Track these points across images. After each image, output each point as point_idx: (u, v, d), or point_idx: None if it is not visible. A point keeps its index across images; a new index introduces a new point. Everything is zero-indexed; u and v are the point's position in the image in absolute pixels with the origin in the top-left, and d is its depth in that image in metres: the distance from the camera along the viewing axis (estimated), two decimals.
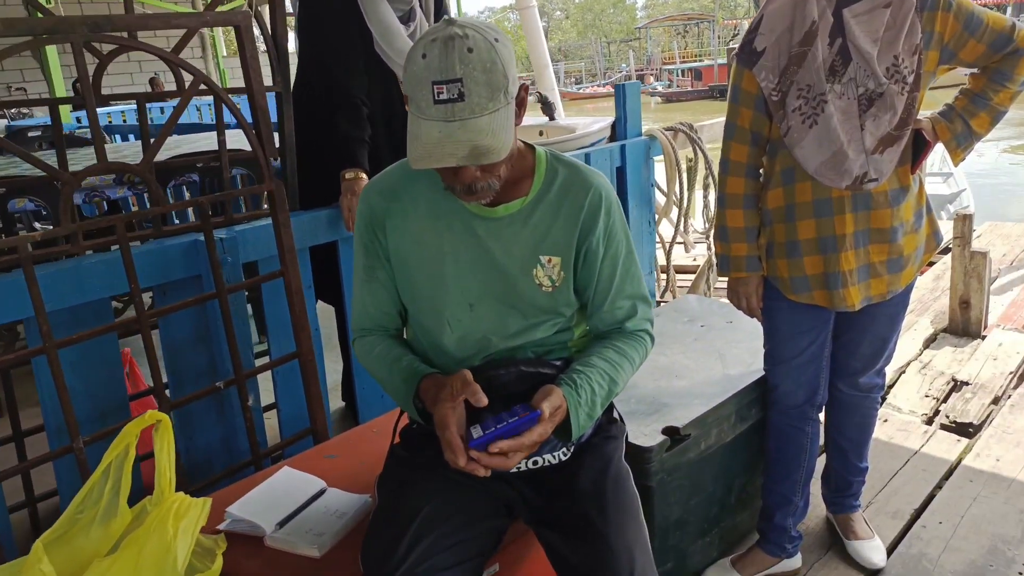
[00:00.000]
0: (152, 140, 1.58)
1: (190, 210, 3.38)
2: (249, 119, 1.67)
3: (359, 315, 1.43)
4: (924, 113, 1.75)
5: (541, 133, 4.14)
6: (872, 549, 2.03)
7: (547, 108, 4.36)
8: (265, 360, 2.02)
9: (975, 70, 1.73)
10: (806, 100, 1.64)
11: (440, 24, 1.16)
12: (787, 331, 1.88)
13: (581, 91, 34.02)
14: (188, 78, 1.59)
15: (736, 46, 1.80)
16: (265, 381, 2.01)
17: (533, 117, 4.52)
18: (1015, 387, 3.02)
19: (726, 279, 1.94)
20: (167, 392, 1.85)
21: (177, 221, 3.22)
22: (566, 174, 1.38)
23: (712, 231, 3.29)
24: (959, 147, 1.75)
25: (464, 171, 1.19)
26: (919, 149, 1.72)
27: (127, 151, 3.83)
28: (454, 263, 1.35)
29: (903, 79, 1.61)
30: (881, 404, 2.03)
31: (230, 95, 1.72)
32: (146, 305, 1.92)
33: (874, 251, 1.73)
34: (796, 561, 2.02)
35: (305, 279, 1.98)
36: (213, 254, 1.64)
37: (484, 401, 1.20)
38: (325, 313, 2.29)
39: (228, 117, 1.77)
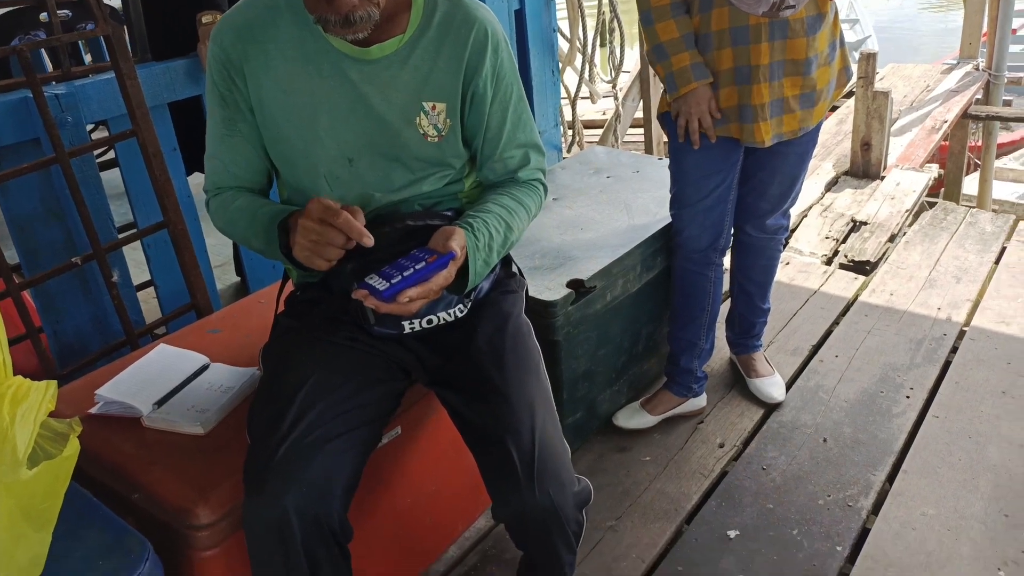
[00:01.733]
0: None
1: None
2: None
3: (216, 172, 1.26)
4: None
5: None
6: (772, 385, 2.09)
7: None
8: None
9: None
10: None
11: None
12: (695, 174, 1.81)
13: None
14: None
15: None
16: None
17: None
18: (910, 224, 3.10)
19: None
20: (18, 273, 1.66)
21: None
22: (446, 7, 1.22)
23: (646, 52, 3.14)
24: None
25: None
26: None
27: None
28: (328, 113, 1.20)
29: None
30: (785, 246, 2.02)
31: None
32: None
33: (788, 84, 1.66)
34: (702, 400, 2.06)
35: (167, 140, 1.77)
36: (46, 112, 1.41)
37: (371, 241, 1.08)
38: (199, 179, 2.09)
39: None
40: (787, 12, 1.56)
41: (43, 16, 2.50)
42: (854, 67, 2.63)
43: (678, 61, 1.67)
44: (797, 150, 1.81)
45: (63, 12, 2.30)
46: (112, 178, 2.01)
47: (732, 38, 1.64)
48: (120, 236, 1.71)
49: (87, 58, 3.26)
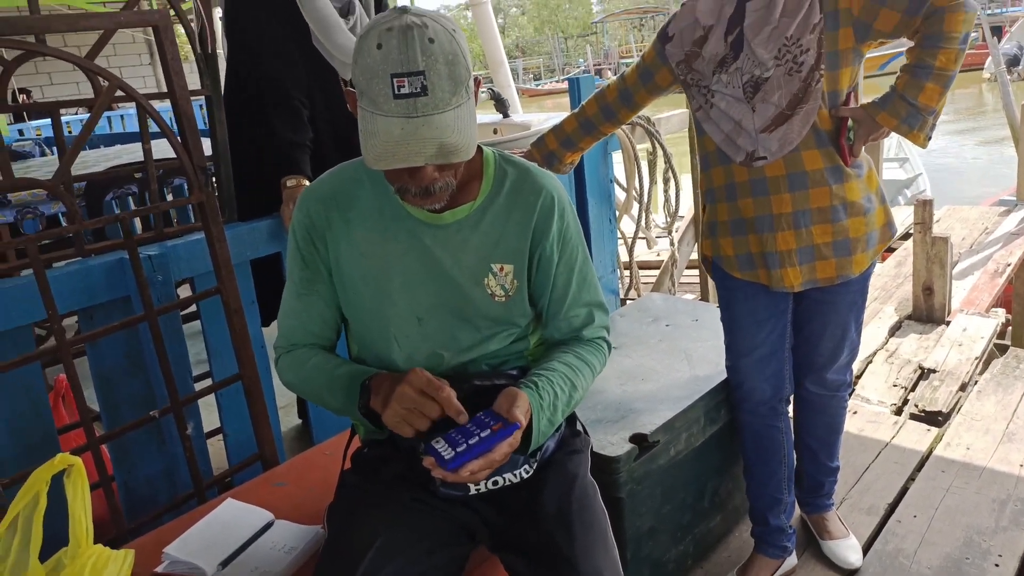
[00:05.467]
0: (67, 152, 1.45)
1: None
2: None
3: (291, 330, 1.32)
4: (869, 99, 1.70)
5: (495, 131, 4.04)
6: (848, 548, 1.98)
7: (500, 105, 4.27)
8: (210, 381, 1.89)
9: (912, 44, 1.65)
10: (699, 89, 1.73)
11: (391, 13, 1.06)
12: (745, 321, 1.82)
13: (539, 87, 34.01)
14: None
15: None
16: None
17: (486, 114, 4.42)
18: (980, 372, 3.01)
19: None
20: (97, 424, 1.71)
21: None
22: (516, 176, 1.30)
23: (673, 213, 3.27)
24: (912, 129, 1.64)
25: (423, 171, 1.10)
26: (847, 133, 1.68)
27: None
28: (401, 275, 1.25)
29: (794, 60, 1.61)
30: (849, 399, 1.97)
31: (155, 100, 1.60)
32: (74, 329, 1.78)
33: (817, 232, 1.69)
34: (794, 558, 1.98)
35: (247, 295, 1.86)
36: (139, 273, 1.51)
37: (465, 419, 1.11)
38: (274, 327, 2.17)
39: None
40: (760, 163, 1.67)
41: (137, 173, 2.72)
42: (906, 217, 2.66)
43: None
44: (845, 299, 1.80)
45: (180, 180, 2.48)
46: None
47: (752, 188, 1.70)
48: (198, 387, 1.77)
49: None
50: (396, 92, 1.02)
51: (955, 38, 1.55)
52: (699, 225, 3.58)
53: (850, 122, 1.67)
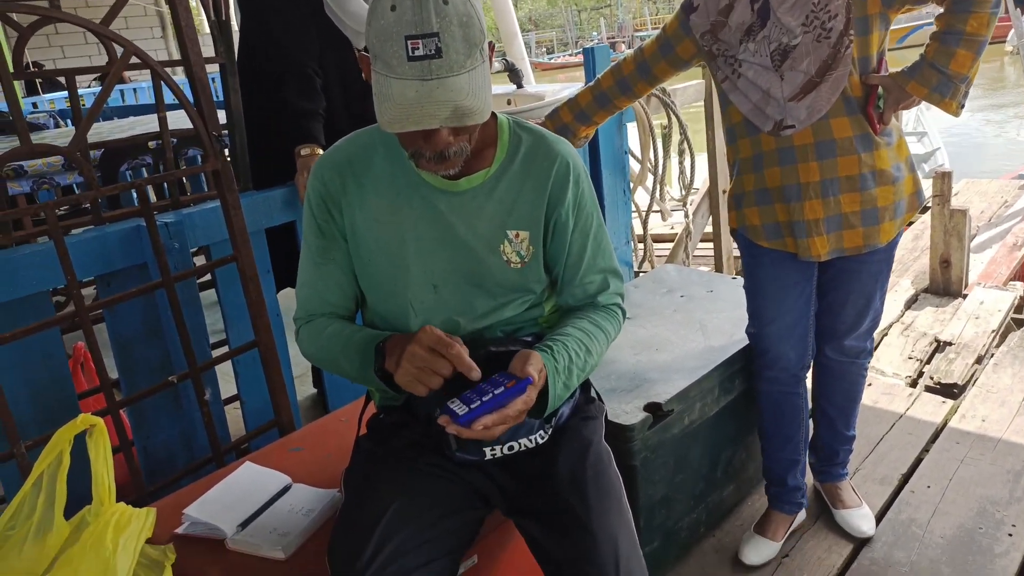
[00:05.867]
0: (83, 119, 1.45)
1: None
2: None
3: (309, 299, 1.32)
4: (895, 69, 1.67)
5: (509, 102, 4.02)
6: (861, 517, 1.99)
7: (515, 76, 4.23)
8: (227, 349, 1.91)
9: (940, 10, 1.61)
10: (725, 59, 1.70)
11: None
12: (771, 287, 1.82)
13: (552, 61, 33.68)
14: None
15: None
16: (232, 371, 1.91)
17: (500, 85, 4.39)
18: (997, 345, 2.98)
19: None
20: (116, 391, 1.74)
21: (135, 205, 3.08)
22: (530, 142, 1.29)
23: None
24: (945, 97, 1.61)
25: (438, 135, 1.09)
26: (876, 102, 1.65)
27: None
28: (415, 242, 1.26)
29: (822, 26, 1.57)
30: (868, 367, 1.96)
31: (169, 68, 1.60)
32: (91, 297, 1.79)
33: (845, 200, 1.68)
34: (803, 512, 2.02)
35: (263, 263, 1.87)
36: (156, 240, 1.52)
37: (478, 375, 1.12)
38: (289, 295, 2.18)
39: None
40: (788, 131, 1.65)
41: (151, 143, 2.73)
42: (928, 191, 2.63)
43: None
44: (871, 269, 1.78)
45: (195, 150, 2.48)
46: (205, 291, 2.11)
47: (779, 158, 1.69)
48: (215, 355, 1.78)
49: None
50: (410, 54, 1.01)
51: (987, 2, 1.51)
52: (715, 197, 3.57)
53: (880, 90, 1.64)
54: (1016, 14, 8.56)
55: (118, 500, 1.15)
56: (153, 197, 3.56)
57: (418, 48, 1.01)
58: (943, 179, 3.39)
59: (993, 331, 3.03)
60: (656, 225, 4.69)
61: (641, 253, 3.50)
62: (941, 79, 1.59)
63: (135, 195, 3.17)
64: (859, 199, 1.67)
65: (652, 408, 1.75)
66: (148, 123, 3.76)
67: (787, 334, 1.83)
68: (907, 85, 1.61)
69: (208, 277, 2.01)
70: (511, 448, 1.25)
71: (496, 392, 1.10)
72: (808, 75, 1.61)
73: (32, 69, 2.35)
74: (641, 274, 3.29)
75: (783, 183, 1.70)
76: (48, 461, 1.03)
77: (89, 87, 7.90)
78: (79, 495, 1.20)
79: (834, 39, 1.58)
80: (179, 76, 6.02)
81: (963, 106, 1.64)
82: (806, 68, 1.60)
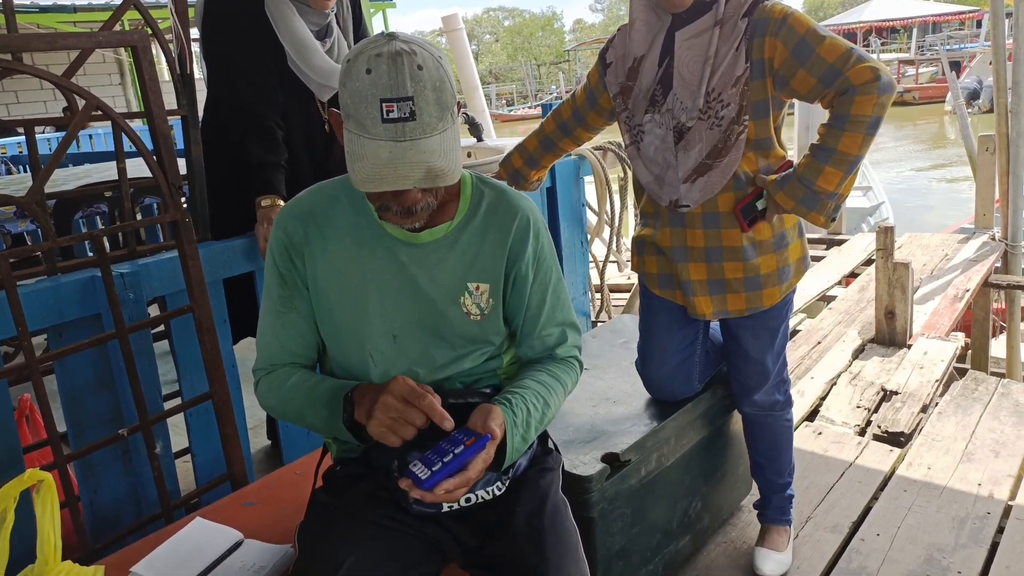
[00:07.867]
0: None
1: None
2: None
3: (270, 349, 1.32)
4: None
5: (469, 155, 4.09)
6: (765, 558, 2.03)
7: (475, 129, 4.33)
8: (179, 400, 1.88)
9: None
10: (630, 128, 1.76)
11: (379, 38, 1.08)
12: (659, 333, 1.93)
13: (512, 112, 34.27)
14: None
15: None
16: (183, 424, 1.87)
17: (461, 139, 4.45)
18: (941, 394, 3.08)
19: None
20: (64, 443, 1.69)
21: (91, 254, 3.04)
22: (492, 197, 1.33)
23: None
24: (811, 211, 1.61)
25: (408, 193, 1.13)
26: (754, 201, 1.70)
27: (30, 182, 3.61)
28: (377, 292, 1.27)
29: (715, 115, 1.62)
30: (789, 416, 2.02)
31: (131, 120, 1.60)
32: (41, 347, 1.76)
33: (728, 268, 1.76)
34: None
35: (219, 313, 1.85)
36: (111, 290, 1.50)
37: (451, 425, 1.13)
38: (245, 344, 2.15)
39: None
40: (683, 209, 1.72)
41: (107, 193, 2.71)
42: (868, 244, 2.72)
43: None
44: (759, 330, 1.85)
45: (153, 199, 2.47)
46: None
47: (671, 219, 1.77)
48: (167, 407, 1.75)
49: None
50: (385, 116, 1.04)
51: (862, 122, 1.49)
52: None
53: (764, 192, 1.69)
54: (952, 77, 9.03)
55: (64, 559, 1.12)
56: (107, 246, 3.51)
57: (392, 111, 1.04)
58: (886, 233, 3.53)
59: (937, 380, 3.13)
60: (613, 275, 4.77)
61: (598, 303, 3.56)
62: (807, 194, 1.59)
63: (86, 244, 3.13)
64: (741, 267, 1.75)
65: (609, 459, 1.77)
66: (104, 171, 3.73)
67: (670, 377, 1.93)
68: (776, 195, 1.64)
69: (162, 328, 1.98)
70: (468, 500, 1.25)
71: (456, 451, 1.11)
72: (700, 159, 1.66)
73: None
74: (599, 324, 3.34)
75: (672, 243, 1.79)
76: None
77: (44, 132, 7.79)
78: (21, 553, 1.17)
79: (724, 126, 1.62)
80: (136, 122, 5.97)
81: (833, 219, 1.65)
82: (698, 152, 1.66)
